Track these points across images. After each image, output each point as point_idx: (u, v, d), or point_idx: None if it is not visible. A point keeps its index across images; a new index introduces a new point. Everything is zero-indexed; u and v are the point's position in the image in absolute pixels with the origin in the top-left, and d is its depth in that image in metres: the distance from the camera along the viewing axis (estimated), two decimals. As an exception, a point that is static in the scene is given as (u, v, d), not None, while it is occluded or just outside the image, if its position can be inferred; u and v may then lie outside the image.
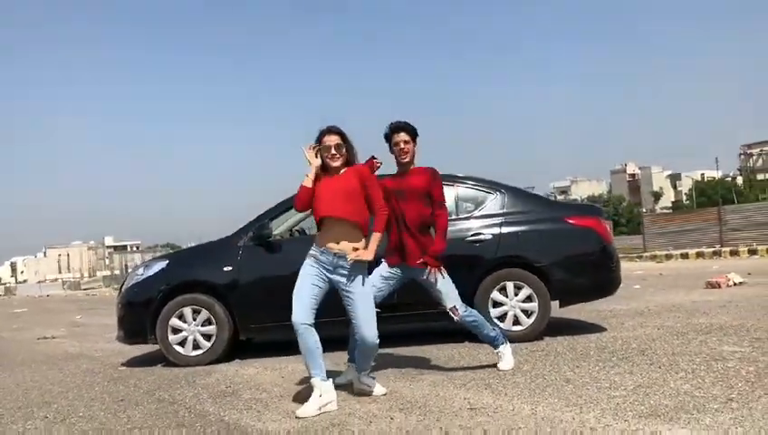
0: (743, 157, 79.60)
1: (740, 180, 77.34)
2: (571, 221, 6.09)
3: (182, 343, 5.99)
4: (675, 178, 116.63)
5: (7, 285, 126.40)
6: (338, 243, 3.98)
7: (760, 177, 71.67)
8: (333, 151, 4.02)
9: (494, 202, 6.15)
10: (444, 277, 4.50)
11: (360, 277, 4.03)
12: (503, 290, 5.90)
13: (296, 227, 7.45)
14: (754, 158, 77.33)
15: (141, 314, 6.04)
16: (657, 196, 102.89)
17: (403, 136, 4.54)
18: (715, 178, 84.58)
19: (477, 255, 5.91)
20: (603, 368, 4.44)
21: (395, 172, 4.69)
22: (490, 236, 5.95)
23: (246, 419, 3.76)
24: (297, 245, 6.42)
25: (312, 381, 3.87)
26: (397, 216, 4.49)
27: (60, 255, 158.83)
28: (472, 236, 5.95)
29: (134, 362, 6.52)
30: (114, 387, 5.16)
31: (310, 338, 3.91)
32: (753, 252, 24.63)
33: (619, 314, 7.59)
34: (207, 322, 5.98)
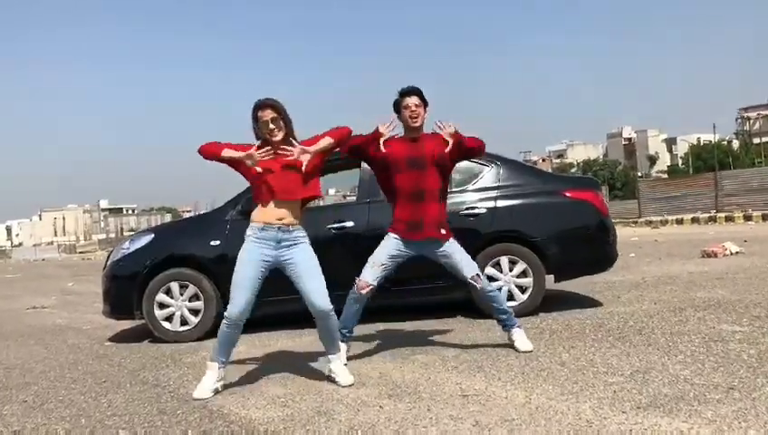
0: (740, 120, 79.20)
1: (736, 144, 77.07)
2: (567, 194, 5.92)
3: (169, 319, 5.85)
4: (671, 142, 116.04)
5: (3, 248, 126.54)
6: (281, 219, 3.87)
7: (756, 141, 71.40)
8: (272, 126, 3.81)
9: (489, 175, 5.97)
10: (459, 251, 4.41)
11: (305, 245, 3.94)
12: (497, 265, 5.76)
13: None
14: (752, 121, 76.93)
15: (127, 288, 5.89)
16: (652, 160, 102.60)
17: (414, 99, 4.34)
18: (711, 142, 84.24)
19: (471, 229, 5.75)
20: (599, 349, 4.32)
21: (401, 137, 4.43)
22: (485, 210, 5.79)
23: (230, 405, 3.64)
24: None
25: (211, 365, 3.91)
26: (412, 186, 4.30)
27: (55, 218, 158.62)
28: (466, 209, 5.78)
29: (121, 337, 6.39)
30: (98, 366, 5.04)
31: (236, 335, 3.95)
32: (748, 218, 24.58)
33: (615, 286, 7.48)
34: (195, 297, 5.84)
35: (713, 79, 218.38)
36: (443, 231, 4.37)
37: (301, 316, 4.73)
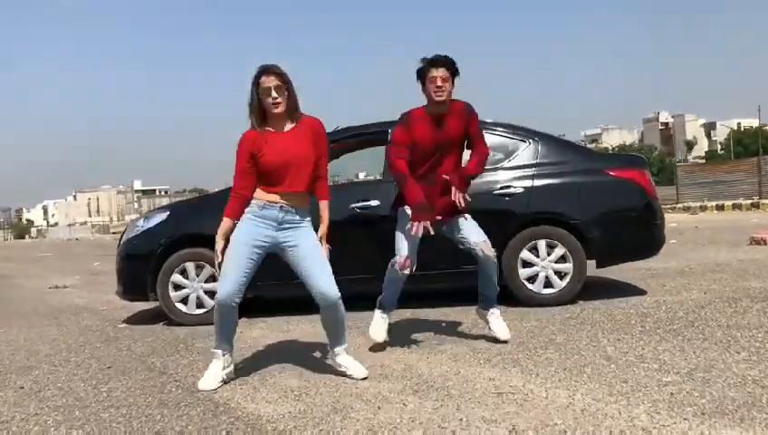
0: (782, 105, 76.72)
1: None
2: (611, 173, 5.45)
3: (184, 301, 5.55)
4: (709, 127, 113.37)
5: (39, 228, 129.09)
6: (286, 200, 3.49)
7: (800, 126, 69.15)
8: (275, 94, 3.36)
9: (526, 152, 5.52)
10: (469, 220, 4.08)
11: (308, 229, 3.56)
12: (534, 249, 5.33)
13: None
14: (795, 106, 74.48)
15: (141, 268, 5.59)
16: (690, 145, 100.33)
17: (441, 72, 3.85)
18: (752, 127, 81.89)
19: (506, 209, 5.33)
20: (649, 343, 3.89)
21: (420, 110, 4.00)
22: (521, 190, 5.35)
23: (238, 397, 3.30)
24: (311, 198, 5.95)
25: (215, 353, 3.62)
26: (430, 169, 4.01)
27: (89, 199, 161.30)
28: (501, 188, 5.35)
29: (136, 319, 6.12)
30: (106, 350, 4.75)
31: (233, 316, 3.59)
32: (793, 204, 23.67)
33: (658, 273, 7.00)
34: (211, 278, 5.51)
35: (753, 63, 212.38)
36: (449, 181, 3.99)
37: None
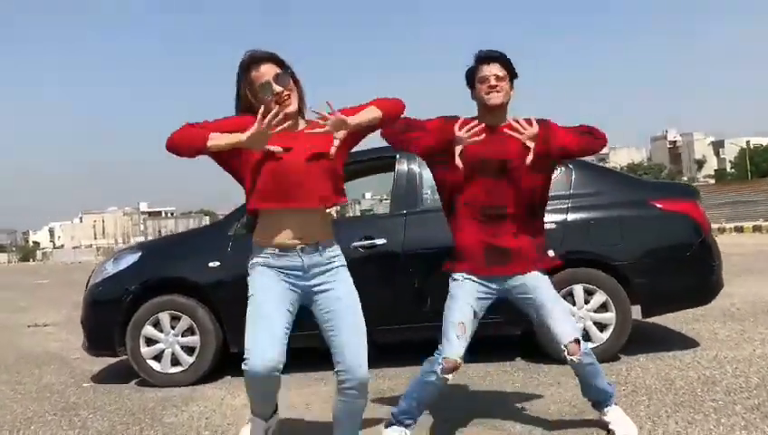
0: (793, 123, 76.10)
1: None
2: (658, 205, 4.63)
3: (158, 358, 4.73)
4: (718, 146, 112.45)
5: (45, 250, 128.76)
6: (301, 238, 2.54)
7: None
8: (278, 88, 2.47)
9: (558, 180, 4.69)
10: (553, 299, 3.04)
11: (344, 270, 2.63)
12: (569, 296, 4.51)
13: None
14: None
15: (108, 319, 4.79)
16: (700, 164, 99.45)
17: (496, 68, 2.95)
18: (762, 145, 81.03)
19: (536, 249, 4.52)
20: (732, 429, 3.05)
21: (470, 121, 2.98)
22: (553, 226, 4.52)
23: None
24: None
25: (255, 418, 2.72)
26: (484, 201, 2.96)
27: (95, 220, 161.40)
28: (529, 224, 4.54)
29: (106, 376, 5.29)
30: (58, 424, 3.93)
31: (275, 383, 2.56)
32: (817, 227, 22.76)
33: (701, 314, 6.12)
34: (189, 331, 4.71)
35: (761, 80, 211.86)
36: (537, 263, 3.04)
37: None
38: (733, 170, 78.75)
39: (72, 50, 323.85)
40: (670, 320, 5.76)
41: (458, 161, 2.88)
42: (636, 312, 4.65)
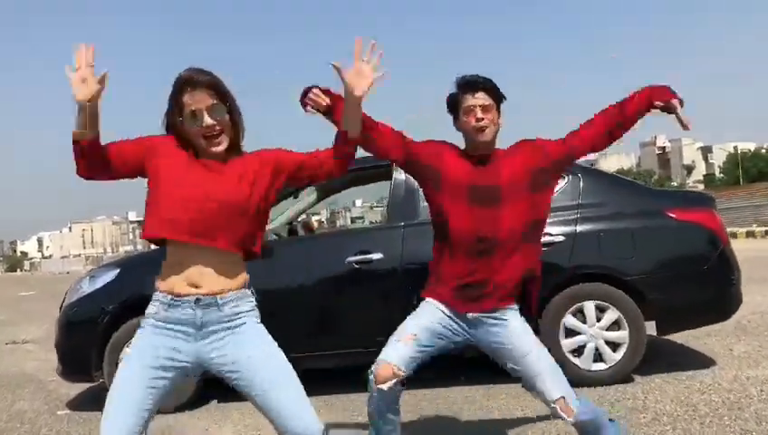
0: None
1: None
2: (672, 215, 4.34)
3: (138, 383, 4.39)
4: (706, 151, 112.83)
5: (33, 260, 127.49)
6: (198, 286, 2.10)
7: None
8: (209, 121, 2.06)
9: (565, 190, 4.41)
10: (534, 349, 2.63)
11: (254, 327, 2.16)
12: (579, 313, 4.22)
13: (298, 220, 5.85)
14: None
15: (83, 341, 4.43)
16: (689, 169, 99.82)
17: (481, 98, 2.61)
18: (749, 150, 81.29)
19: (544, 263, 4.12)
20: (771, 465, 2.75)
21: (458, 150, 2.71)
22: (561, 238, 4.23)
23: None
24: (294, 248, 4.82)
25: None
26: (469, 232, 2.59)
27: (84, 230, 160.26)
28: (536, 237, 4.23)
29: (83, 400, 4.95)
30: (24, 462, 3.59)
31: None
32: (811, 232, 22.62)
33: (714, 329, 5.83)
34: (171, 354, 4.37)
35: (748, 85, 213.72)
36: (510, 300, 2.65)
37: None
38: (722, 175, 78.96)
39: (56, 52, 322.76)
40: (681, 335, 5.46)
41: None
42: (649, 328, 4.36)
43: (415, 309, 2.73)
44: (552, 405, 2.55)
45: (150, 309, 2.15)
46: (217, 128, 2.08)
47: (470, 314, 2.63)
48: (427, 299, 2.71)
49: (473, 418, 3.78)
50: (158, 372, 2.05)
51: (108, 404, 2.02)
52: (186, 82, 2.07)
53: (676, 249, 4.32)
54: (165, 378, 2.07)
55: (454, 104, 2.68)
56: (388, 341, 2.64)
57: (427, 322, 2.64)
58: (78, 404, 4.87)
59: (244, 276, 2.17)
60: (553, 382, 2.56)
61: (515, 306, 2.67)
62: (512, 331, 2.61)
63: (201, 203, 2.06)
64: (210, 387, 4.57)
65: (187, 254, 2.09)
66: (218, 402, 4.51)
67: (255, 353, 2.10)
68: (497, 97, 2.66)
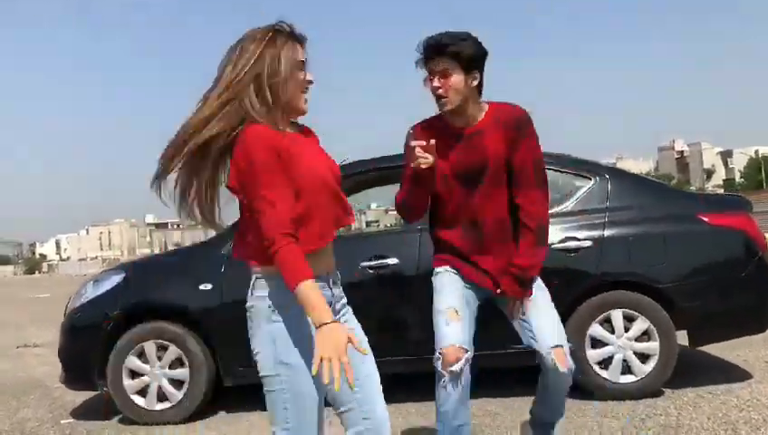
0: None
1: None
2: (706, 220, 4.10)
3: (143, 392, 4.21)
4: (726, 155, 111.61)
5: (51, 262, 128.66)
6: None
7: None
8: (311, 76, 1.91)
9: (591, 192, 4.17)
10: (543, 302, 2.63)
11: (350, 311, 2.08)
12: (606, 322, 3.99)
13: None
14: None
15: (87, 348, 4.28)
16: (709, 173, 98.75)
17: (441, 64, 2.44)
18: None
19: (569, 269, 3.98)
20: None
21: (439, 118, 2.61)
22: (588, 244, 4.00)
23: None
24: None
25: None
26: (463, 210, 2.58)
27: (101, 232, 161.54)
28: (560, 242, 4.00)
29: (88, 409, 4.79)
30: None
31: None
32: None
33: (746, 340, 5.48)
34: (178, 362, 4.19)
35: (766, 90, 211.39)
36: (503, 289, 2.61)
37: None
38: (742, 180, 77.98)
39: (69, 55, 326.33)
40: (712, 346, 5.20)
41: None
42: (680, 338, 4.12)
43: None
44: (547, 352, 2.50)
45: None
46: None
47: (476, 283, 2.63)
48: (437, 269, 2.68)
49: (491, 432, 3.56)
50: None
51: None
52: (292, 33, 1.91)
53: (710, 255, 4.08)
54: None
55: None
56: (435, 327, 2.57)
57: (454, 289, 2.60)
58: (82, 413, 4.70)
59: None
60: (553, 332, 2.56)
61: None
62: (526, 304, 2.61)
63: None
64: (219, 398, 4.41)
65: None
66: (227, 413, 4.32)
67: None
68: (463, 58, 2.43)
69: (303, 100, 1.92)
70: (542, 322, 2.56)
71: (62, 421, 4.51)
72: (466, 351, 2.48)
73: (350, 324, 2.03)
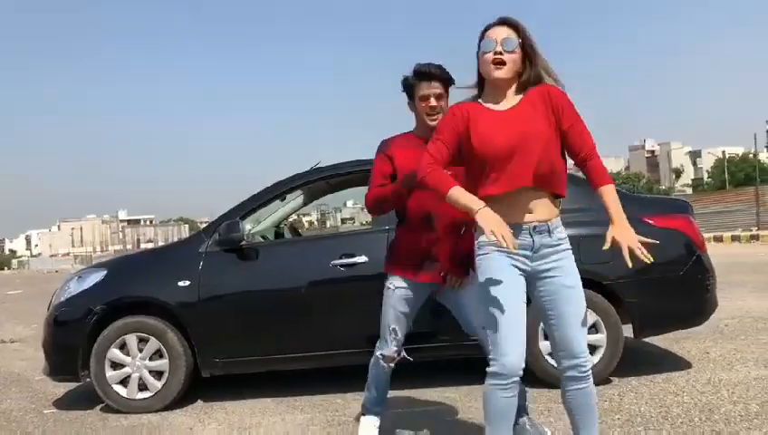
0: (769, 133, 76.85)
1: (763, 157, 74.83)
2: (650, 221, 4.45)
3: (124, 383, 4.45)
4: (695, 155, 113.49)
5: (21, 258, 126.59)
6: (532, 212, 2.53)
7: (787, 154, 69.14)
8: (499, 48, 2.49)
9: (546, 195, 4.50)
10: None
11: (570, 253, 2.63)
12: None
13: (286, 222, 5.91)
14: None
15: (71, 341, 4.49)
16: (677, 173, 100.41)
17: (436, 87, 3.04)
18: (738, 155, 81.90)
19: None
20: (736, 465, 2.85)
21: (407, 135, 3.24)
22: (540, 243, 4.32)
23: None
24: (280, 250, 4.89)
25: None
26: (423, 210, 3.10)
27: (73, 228, 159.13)
28: (514, 242, 4.32)
29: (70, 400, 5.01)
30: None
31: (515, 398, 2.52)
32: (795, 237, 22.85)
33: (691, 333, 5.90)
34: (158, 354, 4.44)
35: (737, 91, 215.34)
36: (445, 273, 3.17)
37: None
38: (710, 180, 79.50)
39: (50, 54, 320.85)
40: (659, 338, 5.58)
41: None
42: (626, 331, 4.47)
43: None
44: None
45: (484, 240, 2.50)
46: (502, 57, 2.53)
47: (427, 284, 3.16)
48: (388, 278, 3.22)
49: (451, 418, 3.87)
50: (520, 292, 2.53)
51: (505, 326, 2.44)
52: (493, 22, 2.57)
53: (653, 255, 4.41)
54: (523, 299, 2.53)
55: (410, 88, 3.11)
56: (381, 329, 3.27)
57: (396, 308, 3.19)
58: (65, 403, 4.92)
59: None
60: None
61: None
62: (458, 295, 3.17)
63: None
64: (196, 387, 4.66)
65: None
66: (204, 403, 4.57)
67: (573, 269, 2.67)
68: (448, 85, 3.07)
69: None
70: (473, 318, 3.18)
71: (44, 411, 4.72)
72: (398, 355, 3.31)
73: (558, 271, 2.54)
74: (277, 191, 4.83)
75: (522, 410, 3.15)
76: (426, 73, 3.02)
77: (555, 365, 3.42)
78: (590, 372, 2.56)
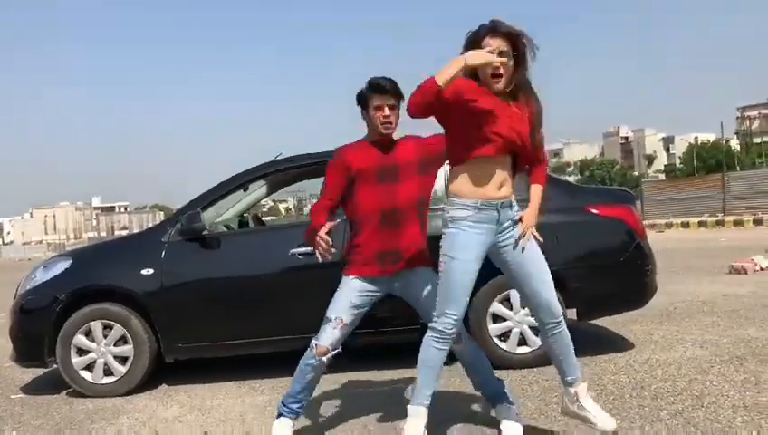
0: (739, 119, 78.19)
1: (734, 143, 76.04)
2: (594, 211, 4.69)
3: (90, 368, 4.61)
4: (668, 142, 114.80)
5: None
6: (500, 188, 3.00)
7: (756, 140, 70.33)
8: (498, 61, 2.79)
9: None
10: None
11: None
12: (506, 301, 4.55)
13: (249, 213, 6.07)
14: (751, 121, 75.88)
15: (37, 328, 4.65)
16: (650, 159, 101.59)
17: (390, 99, 3.26)
18: (709, 141, 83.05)
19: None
20: (654, 436, 3.10)
21: (359, 142, 3.41)
22: (490, 232, 4.55)
23: None
24: (241, 240, 5.06)
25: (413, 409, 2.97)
26: (382, 204, 3.27)
27: (46, 216, 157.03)
28: (465, 230, 4.54)
29: (37, 385, 5.15)
30: (-24, 443, 3.80)
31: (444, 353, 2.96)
32: (758, 222, 23.44)
33: (641, 314, 6.22)
34: (122, 340, 4.60)
35: (710, 77, 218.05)
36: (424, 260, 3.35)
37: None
38: (682, 166, 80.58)
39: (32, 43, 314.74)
40: (609, 321, 5.85)
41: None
42: (571, 315, 4.71)
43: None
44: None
45: (457, 212, 2.91)
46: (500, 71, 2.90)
47: (386, 278, 3.30)
48: (346, 276, 3.34)
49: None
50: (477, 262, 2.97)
51: (450, 289, 2.90)
52: (489, 28, 2.89)
53: (595, 243, 4.68)
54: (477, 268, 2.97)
55: (364, 100, 3.31)
56: (324, 320, 3.30)
57: (348, 301, 3.28)
58: (32, 389, 5.06)
59: None
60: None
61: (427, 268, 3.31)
62: (417, 278, 3.31)
63: None
64: (160, 371, 4.83)
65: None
66: (168, 386, 4.75)
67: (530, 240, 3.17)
68: (400, 98, 3.28)
69: None
70: (429, 298, 3.25)
71: (12, 396, 4.87)
72: (334, 351, 3.30)
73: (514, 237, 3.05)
74: (239, 182, 4.99)
75: (502, 397, 3.31)
76: (381, 87, 3.24)
77: (534, 321, 3.66)
78: (563, 318, 3.11)
